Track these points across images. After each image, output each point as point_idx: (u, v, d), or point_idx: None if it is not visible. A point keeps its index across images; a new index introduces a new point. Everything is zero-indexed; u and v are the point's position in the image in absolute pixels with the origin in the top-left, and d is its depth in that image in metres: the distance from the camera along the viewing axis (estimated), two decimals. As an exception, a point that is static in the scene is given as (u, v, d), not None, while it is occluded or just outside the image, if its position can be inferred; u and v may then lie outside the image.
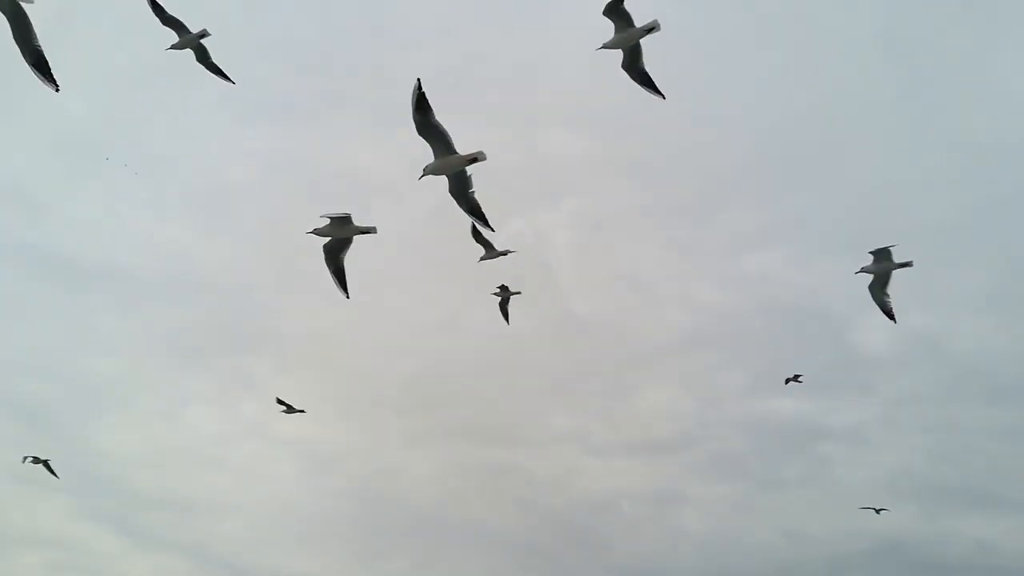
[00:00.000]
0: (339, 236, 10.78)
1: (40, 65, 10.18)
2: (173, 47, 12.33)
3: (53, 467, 16.93)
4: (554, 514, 23.10)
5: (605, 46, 10.95)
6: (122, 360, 23.99)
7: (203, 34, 12.34)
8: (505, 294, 16.01)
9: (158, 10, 11.85)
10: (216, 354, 24.96)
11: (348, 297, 11.02)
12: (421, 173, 10.07)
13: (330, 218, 10.56)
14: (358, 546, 23.42)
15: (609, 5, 10.58)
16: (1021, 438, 21.23)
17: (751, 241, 25.10)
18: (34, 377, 23.64)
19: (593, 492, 24.25)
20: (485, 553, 23.81)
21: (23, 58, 10.24)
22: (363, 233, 10.88)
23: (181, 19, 12.16)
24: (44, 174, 24.95)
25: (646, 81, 11.16)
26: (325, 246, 10.80)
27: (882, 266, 12.11)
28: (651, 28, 10.89)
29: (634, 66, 11.11)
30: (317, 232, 10.73)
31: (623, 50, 10.91)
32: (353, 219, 10.68)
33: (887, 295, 12.31)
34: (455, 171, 10.10)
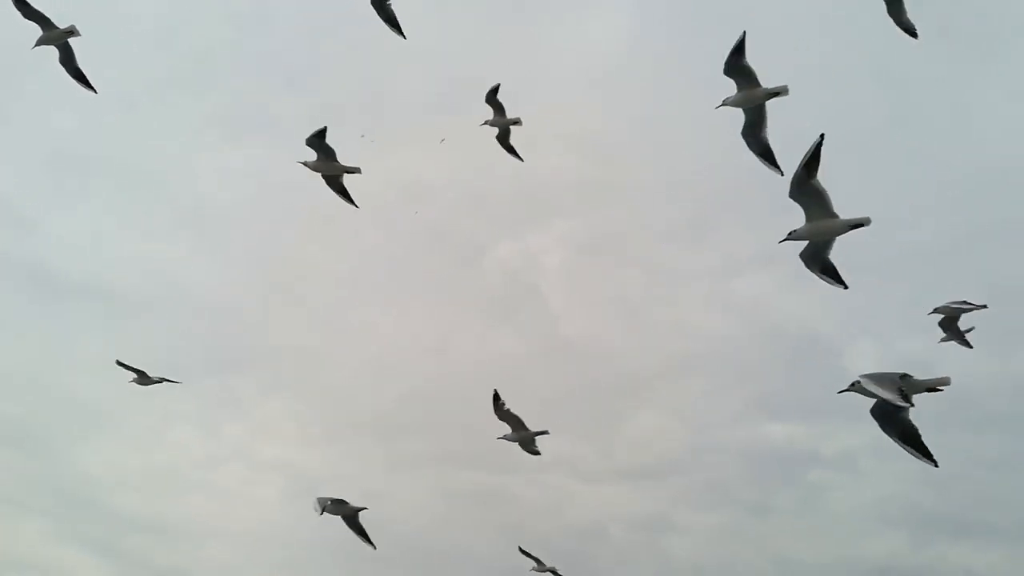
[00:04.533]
0: (326, 172, 11.88)
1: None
2: (38, 43, 11.77)
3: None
4: (542, 540, 22.76)
5: (725, 103, 9.82)
6: (106, 379, 23.68)
7: (71, 31, 11.75)
8: None
9: (22, 6, 11.40)
10: (201, 375, 24.73)
11: (357, 207, 12.12)
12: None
13: (314, 149, 11.55)
14: (342, 572, 23.06)
15: (729, 64, 9.55)
16: (1010, 467, 21.18)
17: (742, 265, 25.12)
18: (16, 395, 23.38)
19: (582, 518, 24.03)
20: (472, 579, 23.56)
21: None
22: (349, 172, 11.88)
23: (46, 14, 11.55)
24: (33, 189, 24.82)
25: (765, 155, 9.95)
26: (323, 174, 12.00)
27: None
28: (778, 92, 9.78)
29: (755, 134, 9.86)
30: (307, 165, 11.70)
31: (744, 111, 9.79)
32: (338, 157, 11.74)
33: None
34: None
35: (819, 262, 9.21)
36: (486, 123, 13.47)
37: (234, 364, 25.54)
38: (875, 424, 8.43)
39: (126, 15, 22.22)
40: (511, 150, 13.74)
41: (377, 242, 26.35)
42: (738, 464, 24.29)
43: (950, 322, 12.93)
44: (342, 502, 12.86)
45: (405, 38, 12.12)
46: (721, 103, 9.88)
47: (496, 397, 13.60)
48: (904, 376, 8.34)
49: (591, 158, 26.32)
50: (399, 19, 12.09)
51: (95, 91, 12.23)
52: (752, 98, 9.78)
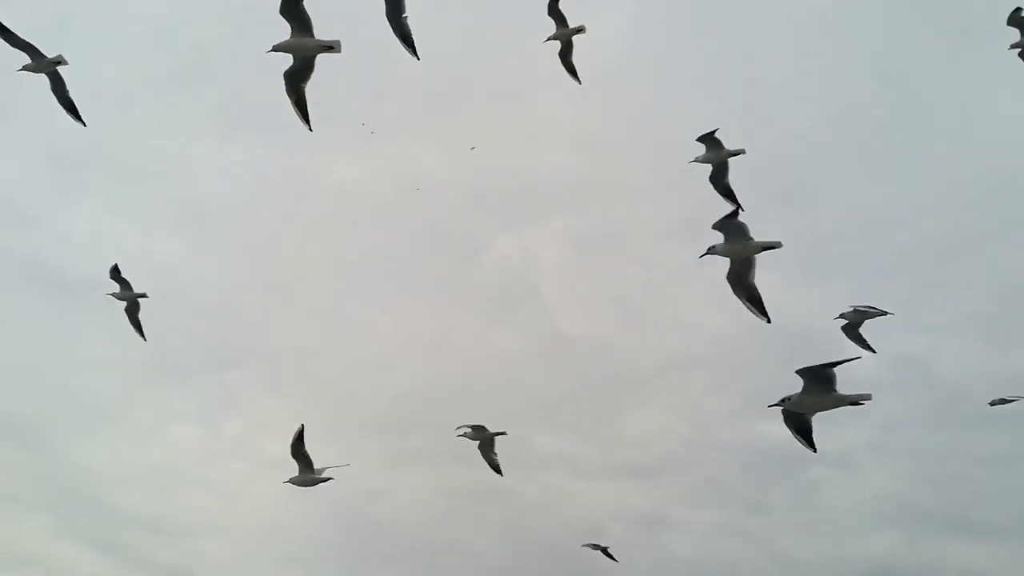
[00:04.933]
0: (300, 54, 10.25)
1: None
2: (24, 68, 11.36)
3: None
4: (541, 537, 22.93)
5: (697, 159, 11.52)
6: (107, 376, 23.80)
7: (58, 60, 11.32)
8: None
9: (6, 34, 10.94)
10: (201, 371, 24.79)
11: (311, 129, 10.57)
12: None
13: (289, 18, 10.06)
14: (343, 569, 23.15)
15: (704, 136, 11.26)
16: (1009, 464, 21.25)
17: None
18: (17, 392, 23.43)
19: (581, 515, 24.08)
20: (471, 576, 23.60)
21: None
22: (326, 50, 10.32)
23: (34, 43, 11.18)
24: (34, 186, 24.87)
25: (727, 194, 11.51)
26: (286, 71, 10.43)
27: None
28: (737, 153, 11.45)
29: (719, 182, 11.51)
30: (277, 48, 10.32)
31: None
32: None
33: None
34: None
35: (744, 288, 9.94)
36: (549, 38, 13.18)
37: (234, 362, 25.62)
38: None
39: (126, 14, 22.28)
40: (571, 69, 13.32)
41: (376, 241, 26.41)
42: (737, 462, 24.36)
43: (853, 328, 12.89)
44: (309, 470, 12.84)
45: (419, 59, 11.22)
46: (693, 159, 11.55)
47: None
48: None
49: (591, 158, 26.36)
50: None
51: (84, 124, 11.85)
52: (718, 158, 11.40)
